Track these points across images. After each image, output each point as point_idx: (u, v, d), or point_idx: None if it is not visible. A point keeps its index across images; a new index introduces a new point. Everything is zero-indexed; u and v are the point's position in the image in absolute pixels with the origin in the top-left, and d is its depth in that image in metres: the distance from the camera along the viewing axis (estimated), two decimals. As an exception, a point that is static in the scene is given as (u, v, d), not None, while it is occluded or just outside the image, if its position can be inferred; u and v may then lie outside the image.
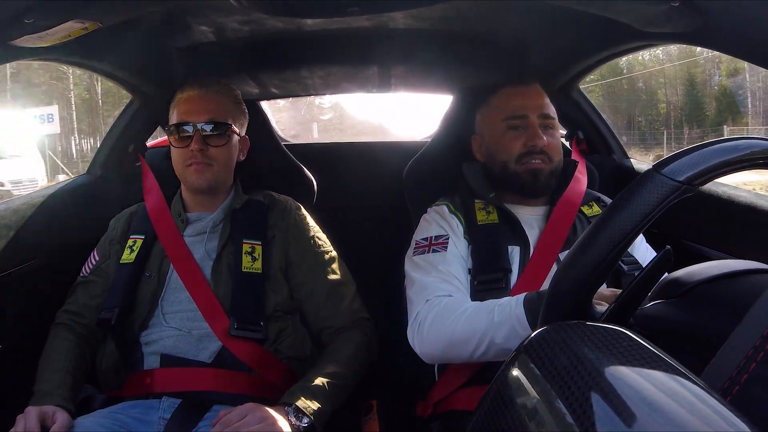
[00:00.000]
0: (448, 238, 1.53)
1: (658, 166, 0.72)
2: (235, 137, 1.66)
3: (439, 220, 1.59)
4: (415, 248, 1.57)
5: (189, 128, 1.58)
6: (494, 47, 1.87)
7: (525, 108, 1.59)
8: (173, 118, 1.62)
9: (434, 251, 1.51)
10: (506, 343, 1.25)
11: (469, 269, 1.51)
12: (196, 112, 1.60)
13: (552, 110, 1.62)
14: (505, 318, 1.25)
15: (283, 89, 2.38)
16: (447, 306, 1.37)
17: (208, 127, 1.59)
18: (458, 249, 1.52)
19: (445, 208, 1.62)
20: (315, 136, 16.72)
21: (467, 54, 1.96)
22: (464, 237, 1.55)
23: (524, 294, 1.26)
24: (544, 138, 1.55)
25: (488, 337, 1.27)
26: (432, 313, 1.38)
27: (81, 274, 1.67)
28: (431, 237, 1.55)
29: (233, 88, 1.72)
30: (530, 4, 1.51)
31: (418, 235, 1.60)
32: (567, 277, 0.77)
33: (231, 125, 1.64)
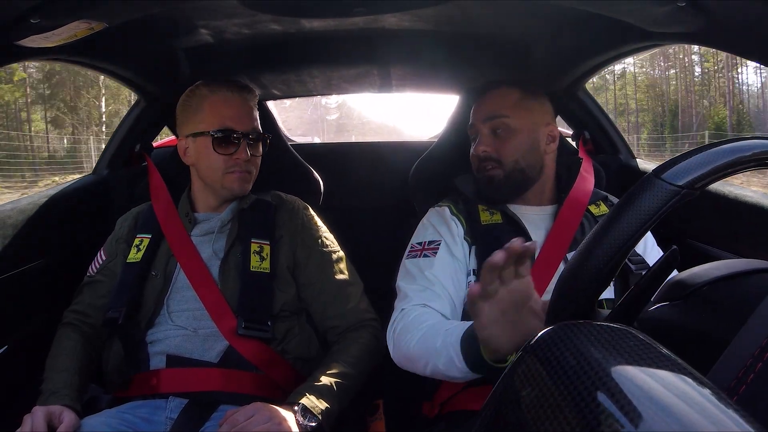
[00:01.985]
0: (439, 244, 1.54)
1: (658, 171, 0.72)
2: None
3: (437, 224, 1.59)
4: (409, 251, 1.58)
5: (236, 135, 1.59)
6: (498, 48, 1.86)
7: (474, 117, 1.63)
8: (210, 121, 1.59)
9: (425, 256, 1.53)
10: (447, 371, 1.25)
11: (473, 270, 1.51)
12: (241, 118, 1.60)
13: (509, 109, 1.58)
14: (445, 347, 1.24)
15: (286, 90, 2.38)
16: (413, 320, 1.38)
17: (253, 136, 1.62)
18: (452, 254, 1.53)
19: (447, 210, 1.62)
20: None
21: (471, 55, 1.95)
22: (464, 239, 1.56)
23: (467, 327, 1.22)
24: (483, 145, 1.57)
25: (432, 361, 1.28)
26: (401, 324, 1.41)
27: (88, 274, 1.67)
28: (425, 242, 1.56)
29: None
30: (535, 5, 1.50)
31: (415, 238, 1.61)
32: (571, 281, 0.77)
33: (267, 134, 1.67)
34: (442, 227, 1.58)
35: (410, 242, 1.61)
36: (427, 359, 1.29)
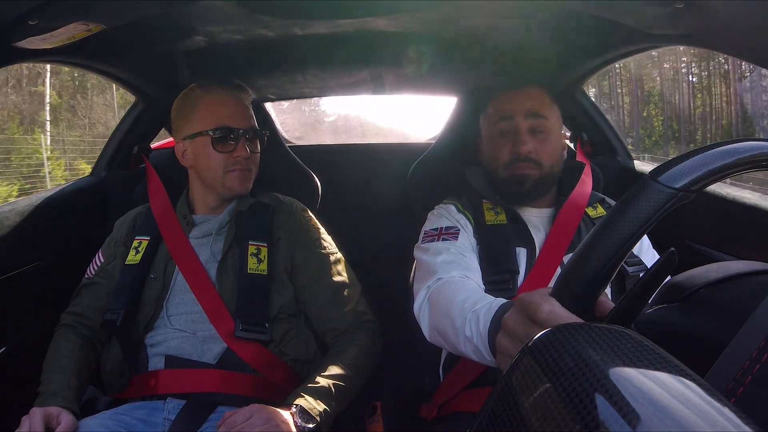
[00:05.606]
0: (458, 230, 1.52)
1: (654, 174, 0.72)
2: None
3: (448, 216, 1.58)
4: (423, 238, 1.55)
5: (235, 133, 1.59)
6: (495, 50, 1.86)
7: (511, 110, 1.56)
8: (207, 121, 1.59)
9: (444, 239, 1.49)
10: (480, 360, 1.12)
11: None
12: (238, 117, 1.61)
13: (546, 110, 1.57)
14: (472, 336, 1.10)
15: (280, 92, 2.39)
16: (450, 288, 1.29)
17: (250, 133, 1.62)
18: (469, 243, 1.51)
19: (452, 207, 1.61)
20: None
21: (467, 57, 1.95)
22: (474, 236, 1.54)
23: (491, 317, 1.05)
24: (529, 144, 1.52)
25: (461, 346, 1.15)
26: (434, 294, 1.32)
27: (86, 276, 1.67)
28: (441, 228, 1.53)
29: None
30: (533, 6, 1.50)
31: (428, 226, 1.58)
32: (568, 284, 0.77)
33: (264, 131, 1.67)
34: (453, 219, 1.56)
35: (423, 230, 1.58)
36: (455, 341, 1.17)
